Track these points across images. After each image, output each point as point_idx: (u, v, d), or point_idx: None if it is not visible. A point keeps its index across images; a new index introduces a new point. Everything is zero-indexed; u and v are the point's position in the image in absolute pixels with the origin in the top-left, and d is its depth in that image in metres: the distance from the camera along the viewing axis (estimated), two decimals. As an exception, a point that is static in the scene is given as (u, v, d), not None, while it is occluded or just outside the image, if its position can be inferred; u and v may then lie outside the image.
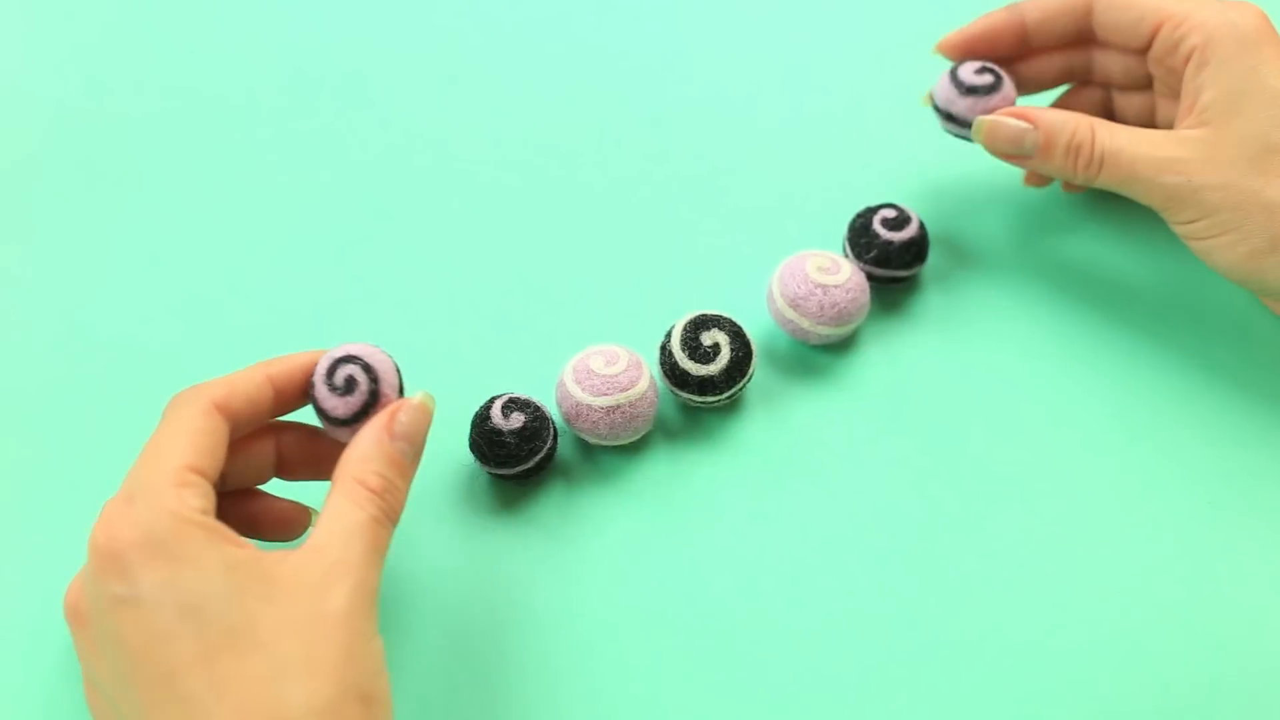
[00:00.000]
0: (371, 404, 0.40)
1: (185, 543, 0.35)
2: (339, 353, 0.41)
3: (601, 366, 0.45)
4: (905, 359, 0.49)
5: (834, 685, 0.42)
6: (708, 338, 0.46)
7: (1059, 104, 0.53)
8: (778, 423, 0.48)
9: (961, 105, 0.50)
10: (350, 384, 0.40)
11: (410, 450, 0.39)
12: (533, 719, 0.41)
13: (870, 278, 0.50)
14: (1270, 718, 0.41)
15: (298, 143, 0.57)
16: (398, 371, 0.41)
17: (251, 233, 0.54)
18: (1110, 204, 0.52)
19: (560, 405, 0.46)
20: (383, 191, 0.55)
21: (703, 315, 0.47)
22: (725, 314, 0.47)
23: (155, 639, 0.34)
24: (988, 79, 0.50)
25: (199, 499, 0.36)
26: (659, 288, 0.52)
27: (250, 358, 0.49)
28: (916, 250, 0.50)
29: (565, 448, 0.47)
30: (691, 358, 0.46)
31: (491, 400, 0.45)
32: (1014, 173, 0.54)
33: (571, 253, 0.53)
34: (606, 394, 0.45)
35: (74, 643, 0.38)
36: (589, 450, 0.47)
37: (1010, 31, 0.51)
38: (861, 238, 0.50)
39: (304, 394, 0.41)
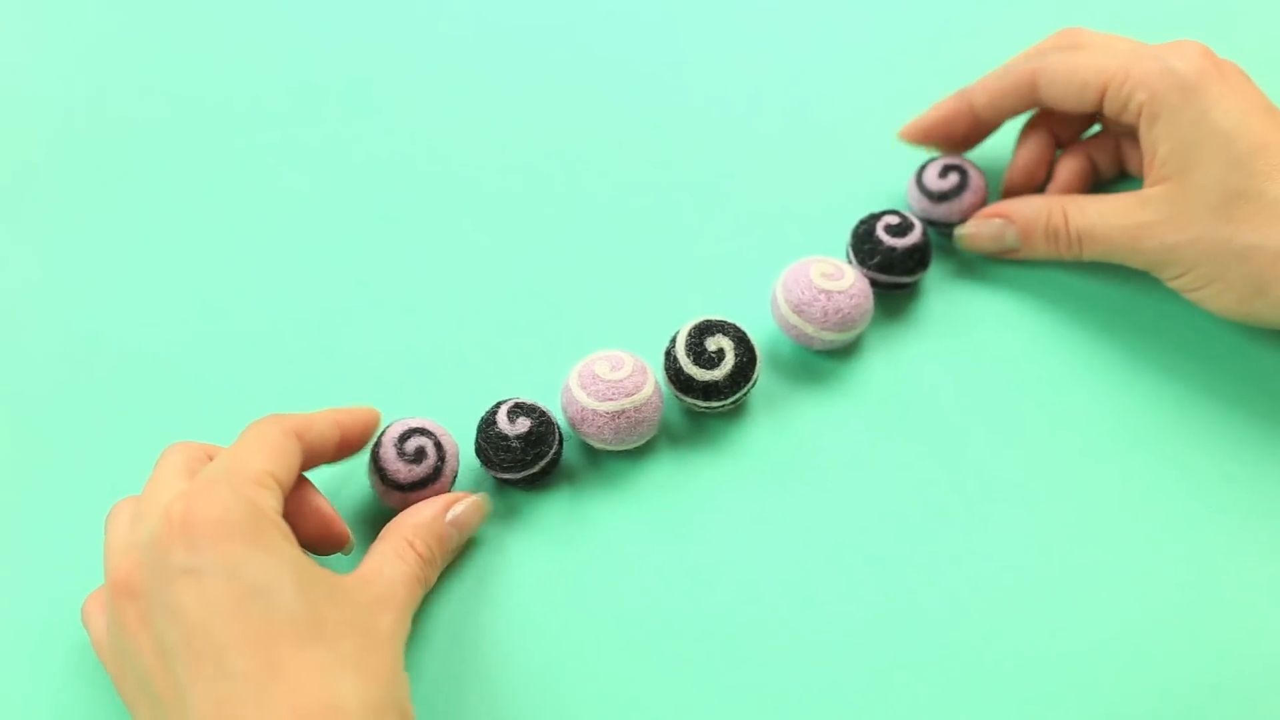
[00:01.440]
0: (432, 479, 0.44)
1: (261, 531, 0.36)
2: (414, 423, 0.45)
3: (606, 371, 0.45)
4: (908, 365, 0.49)
5: (839, 689, 0.42)
6: (712, 343, 0.46)
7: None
8: (782, 428, 0.48)
9: (938, 212, 0.52)
10: (420, 455, 0.44)
11: (457, 537, 0.43)
12: (538, 723, 0.41)
13: (873, 284, 0.50)
14: (1272, 722, 0.41)
15: (303, 150, 0.57)
16: (458, 456, 0.45)
17: (257, 238, 0.54)
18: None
19: (565, 410, 0.46)
20: (388, 198, 0.55)
21: (707, 321, 0.47)
22: (729, 320, 0.47)
23: (215, 614, 0.34)
24: (954, 180, 0.51)
25: (275, 501, 0.38)
26: (664, 294, 0.52)
27: (257, 362, 0.50)
28: (919, 257, 0.50)
29: (570, 453, 0.47)
30: (696, 363, 0.46)
31: (497, 405, 0.45)
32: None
33: (577, 259, 0.53)
34: (611, 399, 0.45)
35: (108, 624, 0.38)
36: (594, 455, 0.47)
37: (962, 118, 0.52)
38: (865, 244, 0.50)
39: (357, 447, 0.44)
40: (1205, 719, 0.41)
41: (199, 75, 0.60)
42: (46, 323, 0.52)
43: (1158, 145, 0.46)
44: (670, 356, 0.47)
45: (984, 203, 0.52)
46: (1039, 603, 0.43)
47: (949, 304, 0.51)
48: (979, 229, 0.50)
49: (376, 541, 0.42)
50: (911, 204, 0.53)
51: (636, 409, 0.45)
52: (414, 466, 0.44)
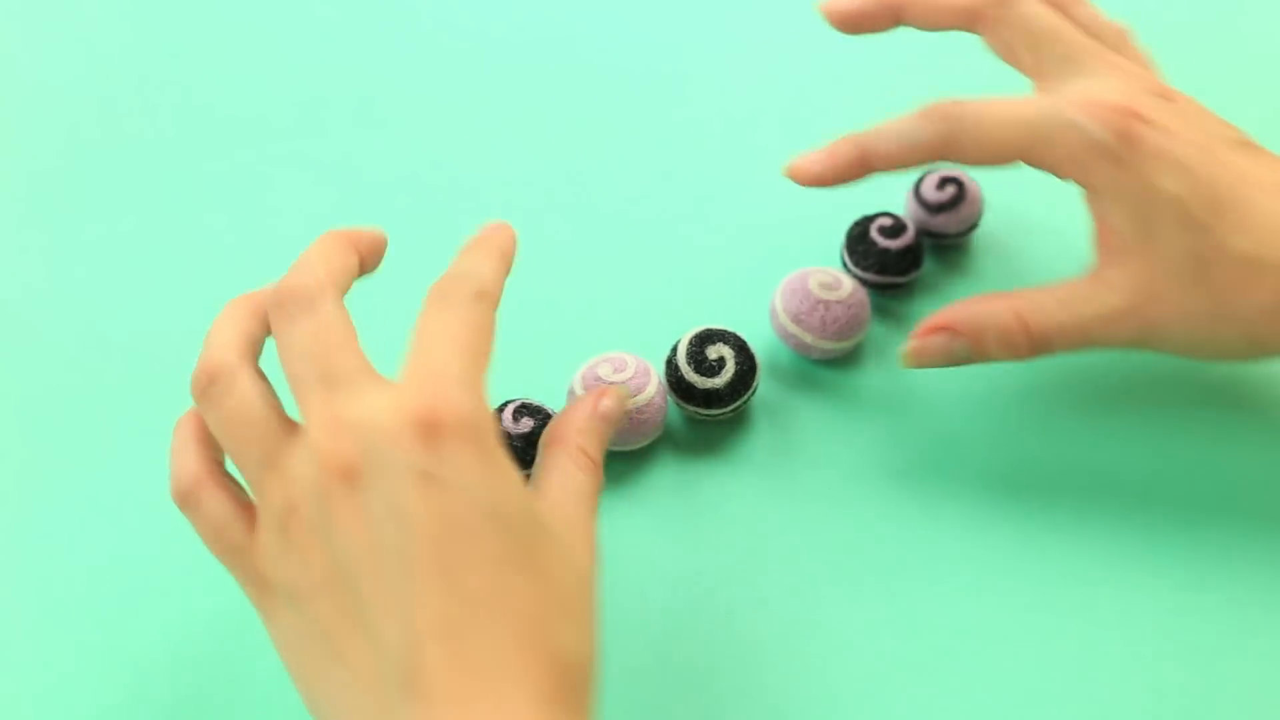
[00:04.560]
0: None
1: (497, 449, 0.34)
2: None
3: (609, 374, 0.46)
4: (905, 374, 0.50)
5: (837, 696, 0.42)
6: (713, 351, 0.47)
7: None
8: (781, 435, 0.48)
9: (936, 223, 0.53)
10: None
11: (607, 431, 0.42)
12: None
13: (868, 285, 0.51)
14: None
15: (309, 162, 0.58)
16: None
17: (264, 250, 0.55)
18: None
19: (570, 412, 0.47)
20: (393, 209, 0.56)
21: (708, 330, 0.48)
22: (730, 329, 0.48)
23: (452, 527, 0.32)
24: (951, 191, 0.52)
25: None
26: (665, 303, 0.52)
27: (266, 371, 0.50)
28: (913, 257, 0.51)
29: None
30: (697, 371, 0.47)
31: (505, 404, 0.46)
32: (1002, 181, 0.55)
33: (580, 269, 0.54)
34: (615, 400, 0.45)
35: (301, 495, 0.34)
36: (596, 460, 0.48)
37: (854, 170, 0.46)
38: (859, 245, 0.51)
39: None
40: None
41: (206, 88, 0.61)
42: (55, 332, 0.52)
43: (1107, 216, 0.42)
44: (671, 364, 0.47)
45: (980, 214, 0.53)
46: (1038, 608, 0.44)
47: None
48: (924, 345, 0.45)
49: (545, 451, 0.39)
50: (909, 215, 0.53)
51: (639, 410, 0.46)
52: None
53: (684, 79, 0.62)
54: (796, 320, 0.49)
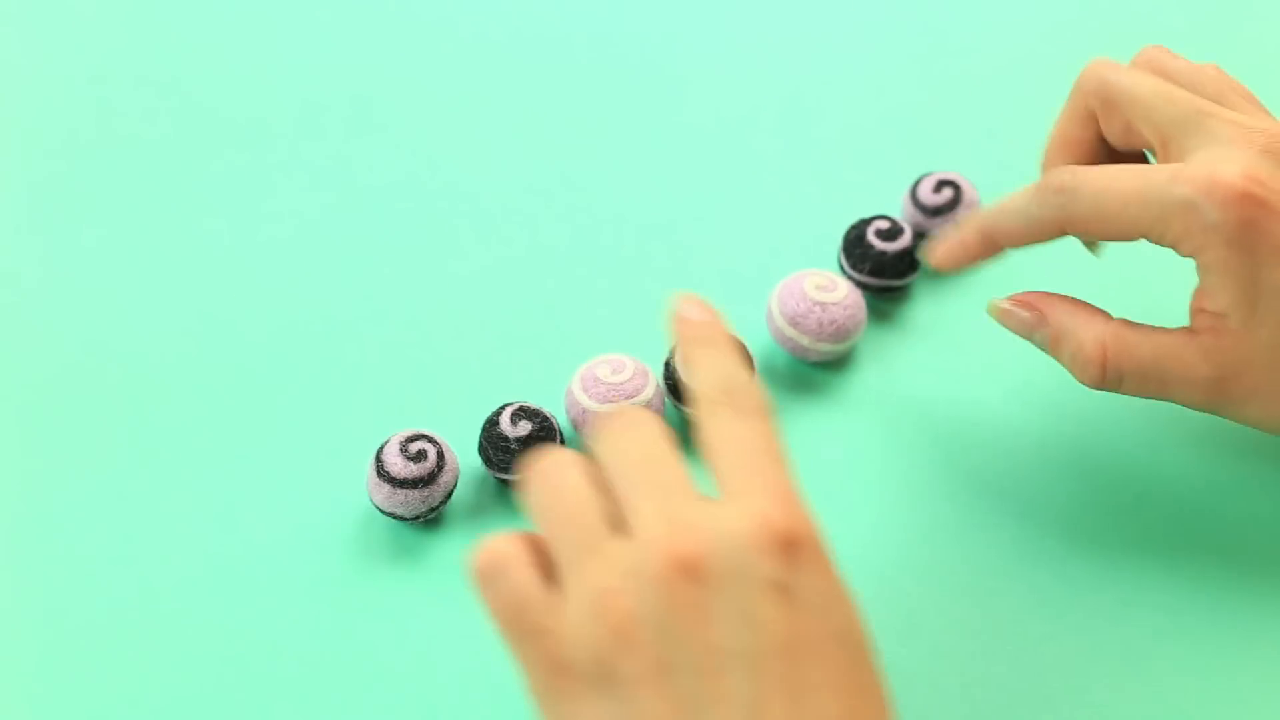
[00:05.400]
0: (426, 482, 0.44)
1: (840, 573, 0.34)
2: (422, 431, 0.45)
3: (608, 374, 0.46)
4: (902, 375, 0.50)
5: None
6: (710, 354, 0.47)
7: None
8: (777, 437, 0.49)
9: (933, 225, 0.53)
10: (420, 456, 0.45)
11: None
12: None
13: (865, 288, 0.51)
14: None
15: (307, 165, 0.58)
16: (457, 472, 0.46)
17: (262, 253, 0.55)
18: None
19: (568, 412, 0.47)
20: (392, 212, 0.56)
21: (705, 333, 0.48)
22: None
23: (803, 644, 0.32)
24: (948, 195, 0.53)
25: None
26: (662, 306, 0.53)
27: (261, 374, 0.50)
28: (910, 260, 0.51)
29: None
30: (694, 373, 0.47)
31: (503, 407, 0.46)
32: (999, 184, 0.55)
33: (578, 273, 0.54)
34: (611, 400, 0.46)
35: (633, 596, 0.33)
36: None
37: (988, 253, 0.47)
38: (856, 249, 0.51)
39: None
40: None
41: (204, 92, 0.61)
42: (54, 336, 0.52)
43: (1215, 292, 0.42)
44: (669, 367, 0.48)
45: None
46: (1035, 610, 0.44)
47: (941, 314, 0.52)
48: (1010, 312, 0.46)
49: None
50: (906, 218, 0.54)
51: (636, 411, 0.46)
52: (411, 465, 0.44)
53: (681, 83, 0.62)
54: (793, 323, 0.49)
